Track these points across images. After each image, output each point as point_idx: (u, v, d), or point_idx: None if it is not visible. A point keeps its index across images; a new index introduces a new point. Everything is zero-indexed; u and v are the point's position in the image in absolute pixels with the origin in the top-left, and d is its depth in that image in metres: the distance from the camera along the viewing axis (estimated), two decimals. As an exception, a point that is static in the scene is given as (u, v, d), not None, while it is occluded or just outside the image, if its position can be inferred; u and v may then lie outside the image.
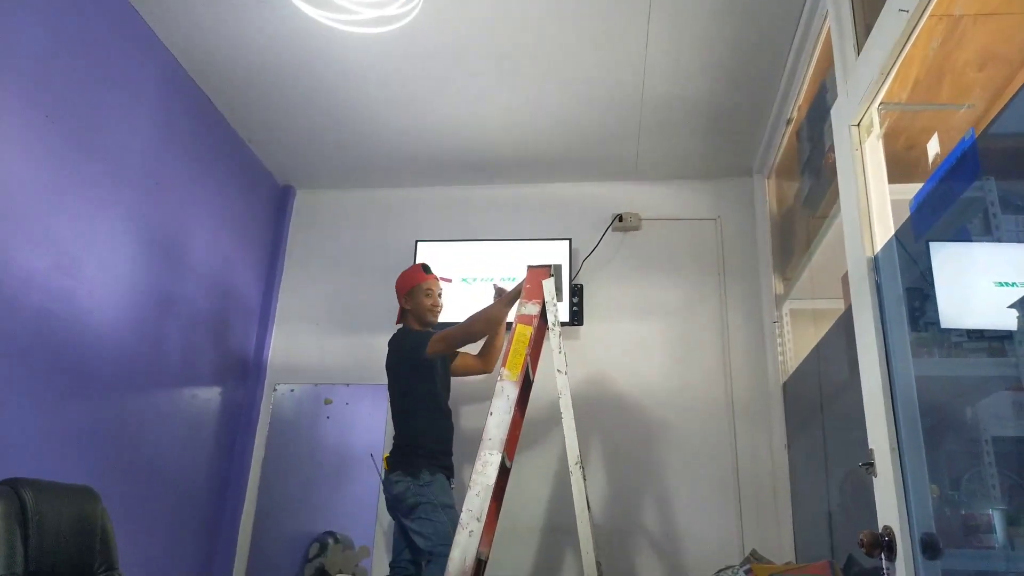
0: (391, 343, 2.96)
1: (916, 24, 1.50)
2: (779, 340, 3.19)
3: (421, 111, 3.21)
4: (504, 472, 2.40)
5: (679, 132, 3.30)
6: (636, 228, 3.64)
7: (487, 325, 2.89)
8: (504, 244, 3.61)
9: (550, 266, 2.68)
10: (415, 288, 2.99)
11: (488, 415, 2.36)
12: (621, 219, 3.61)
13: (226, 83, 3.06)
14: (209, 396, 3.22)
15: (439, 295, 3.03)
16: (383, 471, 2.82)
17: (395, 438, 2.85)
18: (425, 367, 2.83)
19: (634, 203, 3.67)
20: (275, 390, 3.60)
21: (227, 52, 2.86)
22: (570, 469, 2.38)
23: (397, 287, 3.05)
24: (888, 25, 1.58)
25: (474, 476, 2.26)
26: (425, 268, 3.05)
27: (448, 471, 2.79)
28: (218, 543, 3.26)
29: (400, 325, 3.02)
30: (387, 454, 2.82)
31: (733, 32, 2.66)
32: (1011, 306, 1.36)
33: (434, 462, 2.73)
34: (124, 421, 2.63)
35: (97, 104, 2.49)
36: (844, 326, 2.14)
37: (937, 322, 1.60)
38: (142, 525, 2.72)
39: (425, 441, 2.77)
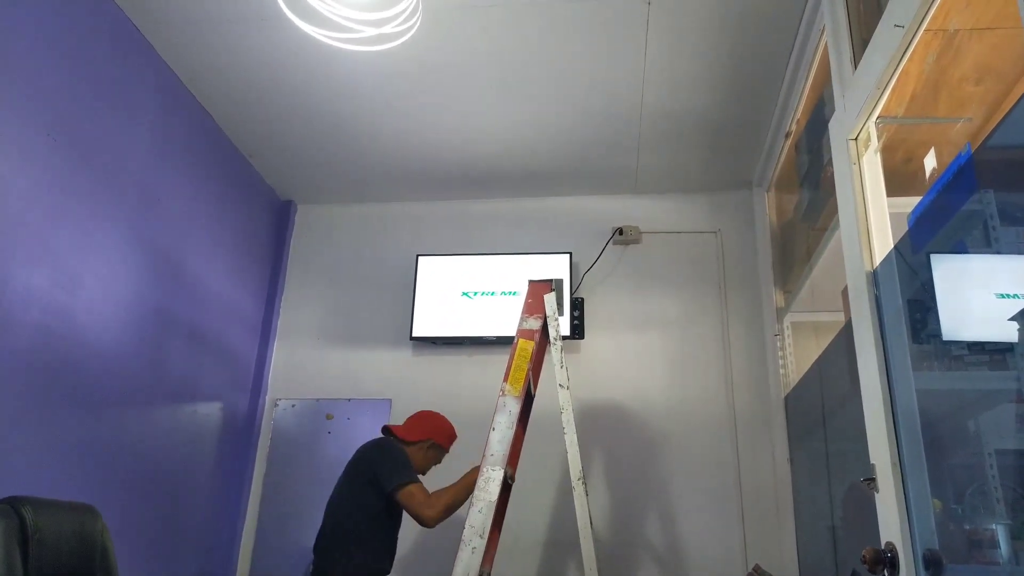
0: (375, 448, 2.61)
1: (911, 39, 1.50)
2: (780, 353, 3.19)
3: (421, 126, 3.22)
4: (506, 488, 2.38)
5: (678, 145, 3.31)
6: (636, 241, 3.64)
7: (461, 503, 2.54)
8: (505, 258, 3.61)
9: (551, 281, 2.68)
10: (441, 445, 2.74)
11: (490, 431, 2.35)
12: (621, 232, 3.62)
13: (226, 99, 3.08)
14: (209, 411, 3.22)
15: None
16: None
17: (315, 571, 2.50)
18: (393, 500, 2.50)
19: (634, 216, 3.68)
20: (276, 405, 3.59)
21: (227, 68, 2.88)
22: (573, 484, 2.37)
23: (427, 425, 2.75)
24: (884, 40, 1.59)
25: (476, 492, 2.25)
26: (454, 439, 2.81)
27: None
28: (218, 559, 3.25)
29: (392, 440, 2.68)
30: None
31: (731, 45, 2.67)
32: (1012, 318, 1.36)
33: None
34: (124, 437, 2.63)
35: (96, 120, 2.50)
36: (845, 339, 2.13)
37: (938, 335, 1.59)
38: (142, 541, 2.71)
39: (376, 555, 2.48)
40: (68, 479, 2.32)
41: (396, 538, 2.64)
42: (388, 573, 2.55)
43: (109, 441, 2.55)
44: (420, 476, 2.59)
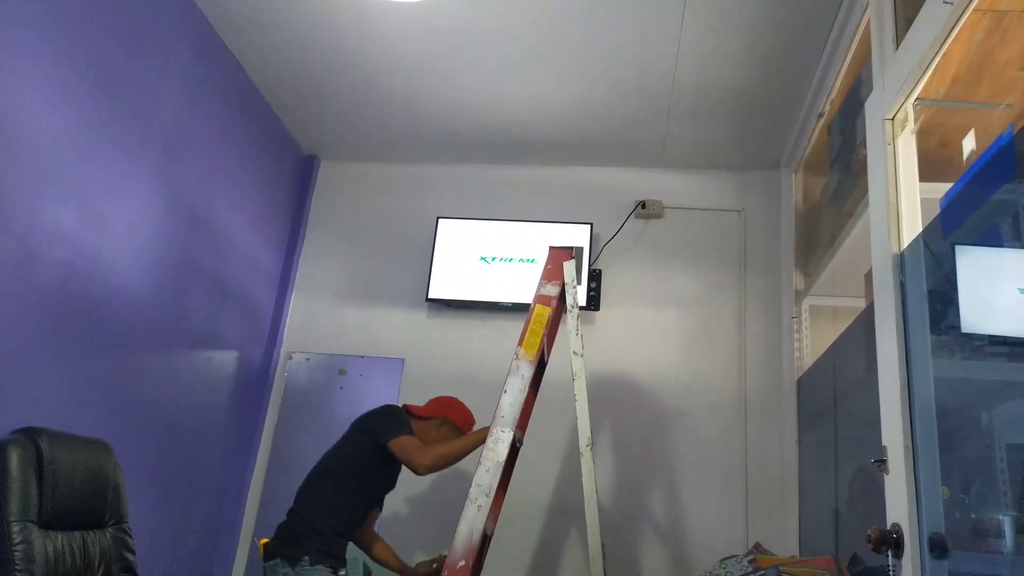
0: (375, 409, 2.62)
1: (959, 18, 1.47)
2: (796, 336, 3.17)
3: (449, 87, 3.20)
4: (514, 450, 2.40)
5: (708, 121, 3.27)
6: (659, 216, 3.62)
7: (461, 455, 2.53)
8: (525, 225, 3.60)
9: (572, 248, 2.67)
10: (455, 424, 2.67)
11: (502, 393, 2.36)
12: (644, 206, 3.59)
13: (257, 50, 3.07)
14: (225, 360, 3.26)
15: None
16: (264, 563, 2.42)
17: (290, 511, 2.49)
18: (386, 452, 2.49)
19: (658, 190, 3.65)
20: (291, 358, 3.63)
21: (260, 19, 2.86)
22: (580, 451, 2.38)
23: (443, 405, 2.72)
24: (931, 18, 1.55)
25: (485, 452, 2.27)
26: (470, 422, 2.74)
27: (337, 561, 2.44)
28: (227, 503, 3.32)
29: (396, 407, 2.68)
30: (265, 540, 2.45)
31: (770, 20, 2.62)
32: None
33: (323, 547, 2.38)
34: (140, 379, 2.67)
35: (129, 65, 2.50)
36: (864, 324, 2.12)
37: (958, 325, 1.58)
38: (153, 480, 2.76)
39: (325, 520, 2.41)
40: (84, 415, 2.36)
41: (379, 497, 2.65)
42: (347, 537, 2.51)
43: (126, 382, 2.59)
44: None
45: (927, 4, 1.57)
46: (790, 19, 2.61)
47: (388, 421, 2.53)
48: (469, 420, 2.72)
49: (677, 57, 2.86)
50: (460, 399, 2.75)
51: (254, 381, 3.51)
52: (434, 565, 2.64)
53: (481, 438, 2.43)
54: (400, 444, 2.45)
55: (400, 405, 2.75)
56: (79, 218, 2.32)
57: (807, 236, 3.26)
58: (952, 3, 1.43)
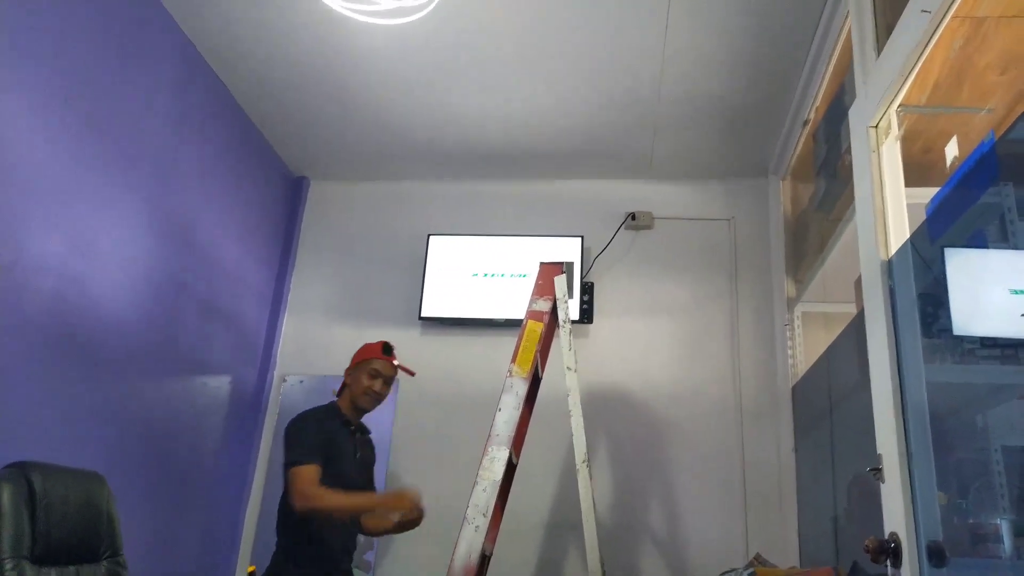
0: (286, 429, 2.46)
1: (938, 25, 1.48)
2: (790, 343, 3.17)
3: (436, 104, 3.20)
4: (511, 468, 2.39)
5: (695, 130, 3.28)
6: (649, 227, 3.62)
7: (351, 513, 2.47)
8: (516, 240, 3.60)
9: (562, 263, 2.67)
10: (363, 363, 2.57)
11: (496, 411, 2.35)
12: (634, 217, 3.60)
13: (243, 71, 3.07)
14: (219, 384, 3.24)
15: (385, 383, 2.60)
16: None
17: (277, 541, 2.42)
18: (336, 447, 2.41)
19: (647, 201, 3.66)
20: (284, 381, 3.61)
21: (245, 40, 2.87)
22: (577, 467, 2.38)
23: (355, 356, 2.65)
24: (910, 26, 1.56)
25: (481, 472, 2.26)
26: (386, 348, 2.62)
27: None
28: (222, 530, 3.28)
29: (303, 413, 2.52)
30: (252, 567, 2.40)
31: (754, 28, 2.63)
32: (1025, 315, 1.35)
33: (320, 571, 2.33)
34: (134, 405, 2.65)
35: (114, 88, 2.50)
36: (856, 330, 2.12)
37: (950, 328, 1.58)
38: (147, 508, 2.74)
39: (302, 549, 2.35)
40: (78, 445, 2.34)
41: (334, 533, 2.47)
42: (330, 560, 2.42)
43: (119, 409, 2.57)
44: (386, 383, 2.57)
45: (906, 12, 1.58)
46: (772, 27, 2.62)
47: (289, 444, 2.40)
48: (376, 347, 2.61)
49: (662, 67, 2.87)
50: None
51: (248, 405, 3.48)
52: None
53: (376, 504, 2.46)
54: (292, 474, 2.32)
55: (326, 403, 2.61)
56: (67, 246, 2.30)
57: (797, 243, 3.27)
58: (931, 11, 1.44)
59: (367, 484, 2.60)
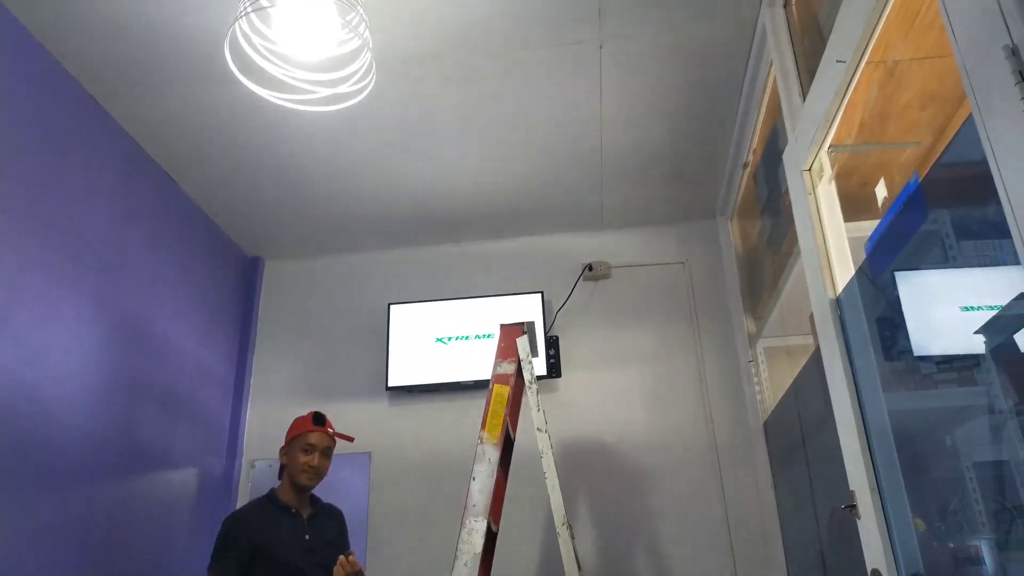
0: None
1: (854, 73, 1.55)
2: (756, 379, 3.20)
3: (385, 176, 3.23)
4: (491, 537, 2.35)
5: (641, 180, 3.35)
6: (607, 276, 3.66)
7: None
8: (477, 301, 3.61)
9: (523, 323, 2.67)
10: (296, 439, 2.45)
11: (471, 480, 2.32)
12: (591, 268, 3.63)
13: (186, 160, 3.06)
14: (185, 477, 3.14)
15: (323, 455, 2.45)
16: None
17: None
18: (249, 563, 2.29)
19: (603, 252, 3.70)
20: (253, 466, 3.52)
21: (185, 130, 2.87)
22: (557, 530, 2.34)
23: (288, 430, 2.54)
24: (827, 75, 1.63)
25: (460, 545, 2.21)
26: (317, 419, 2.50)
27: None
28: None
29: (230, 515, 2.44)
30: None
31: (683, 80, 2.72)
32: (978, 331, 1.38)
33: None
34: (96, 512, 2.55)
35: (54, 192, 2.47)
36: (816, 364, 2.15)
37: (909, 351, 1.61)
38: (119, 621, 2.62)
39: None
40: (39, 562, 2.24)
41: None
42: None
43: (80, 519, 2.47)
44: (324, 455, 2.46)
45: (823, 63, 1.66)
46: (702, 79, 2.71)
47: (214, 548, 2.33)
48: (301, 422, 2.51)
49: (601, 124, 2.94)
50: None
51: (217, 494, 3.38)
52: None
53: None
54: None
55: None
56: (13, 355, 2.24)
57: (752, 279, 3.32)
58: (845, 61, 1.51)
59: (321, 565, 2.38)
